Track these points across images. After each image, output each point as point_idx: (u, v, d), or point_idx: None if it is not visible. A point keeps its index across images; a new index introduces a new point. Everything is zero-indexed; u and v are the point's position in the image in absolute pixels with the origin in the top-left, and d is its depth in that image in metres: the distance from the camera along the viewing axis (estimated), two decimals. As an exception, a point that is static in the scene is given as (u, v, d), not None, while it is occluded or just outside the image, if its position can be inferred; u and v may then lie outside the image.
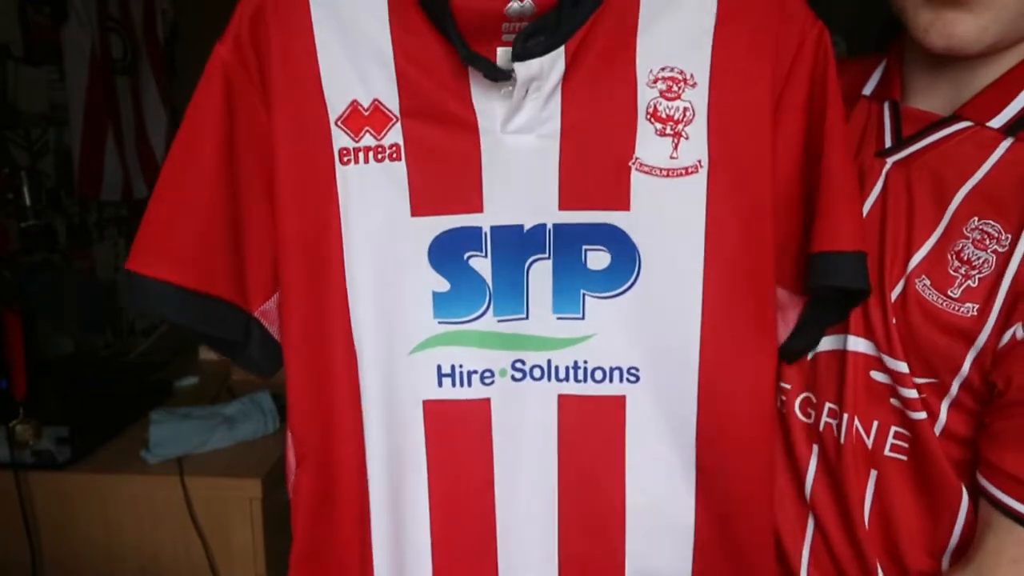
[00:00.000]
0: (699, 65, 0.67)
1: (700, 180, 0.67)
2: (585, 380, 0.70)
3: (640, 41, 0.67)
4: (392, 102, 0.67)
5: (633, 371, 0.70)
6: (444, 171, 0.68)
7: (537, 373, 0.71)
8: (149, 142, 2.25)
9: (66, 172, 1.94)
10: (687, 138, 0.67)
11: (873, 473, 0.70)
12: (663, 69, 0.67)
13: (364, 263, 0.69)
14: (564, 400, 0.71)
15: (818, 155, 0.66)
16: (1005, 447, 0.62)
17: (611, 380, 0.70)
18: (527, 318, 0.70)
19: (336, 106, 0.67)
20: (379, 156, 0.68)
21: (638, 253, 0.68)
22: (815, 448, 0.73)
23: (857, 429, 0.70)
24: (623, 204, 0.68)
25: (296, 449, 0.77)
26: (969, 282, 0.65)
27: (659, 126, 0.67)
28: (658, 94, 0.67)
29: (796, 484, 0.75)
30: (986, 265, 0.64)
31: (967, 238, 0.65)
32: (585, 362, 0.70)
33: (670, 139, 0.67)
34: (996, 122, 0.66)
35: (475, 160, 0.67)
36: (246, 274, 0.70)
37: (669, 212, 0.68)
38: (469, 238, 0.69)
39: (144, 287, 0.67)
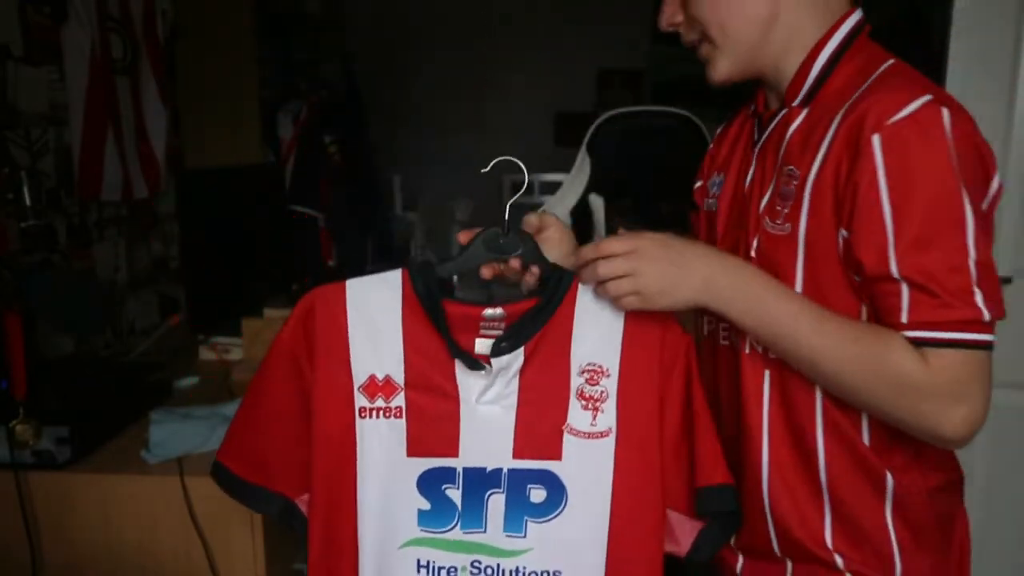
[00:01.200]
0: (612, 363, 0.96)
1: (610, 442, 0.96)
2: None
3: (573, 346, 0.96)
4: (399, 377, 0.96)
5: (558, 573, 0.96)
6: (433, 427, 0.96)
7: (489, 572, 0.97)
8: (149, 142, 2.24)
9: (66, 172, 1.93)
10: (602, 412, 0.96)
11: (767, 373, 0.94)
12: (588, 364, 0.96)
13: (371, 486, 0.96)
14: None
15: (692, 423, 0.95)
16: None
17: None
18: (485, 531, 0.97)
19: (359, 377, 0.96)
20: (387, 415, 0.96)
21: (566, 491, 0.96)
22: (727, 360, 0.99)
23: (751, 342, 0.95)
24: (557, 456, 0.96)
25: None
26: (784, 210, 0.89)
27: (584, 403, 0.96)
28: (584, 381, 0.96)
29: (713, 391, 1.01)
30: (790, 195, 0.88)
31: (781, 181, 0.90)
32: (524, 567, 0.96)
33: (591, 412, 0.96)
34: (797, 101, 0.93)
35: (455, 421, 0.95)
36: (291, 474, 0.98)
37: (588, 463, 0.96)
38: (447, 474, 0.96)
39: (220, 471, 0.99)
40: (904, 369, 0.79)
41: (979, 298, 0.79)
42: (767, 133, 0.95)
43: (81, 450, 1.37)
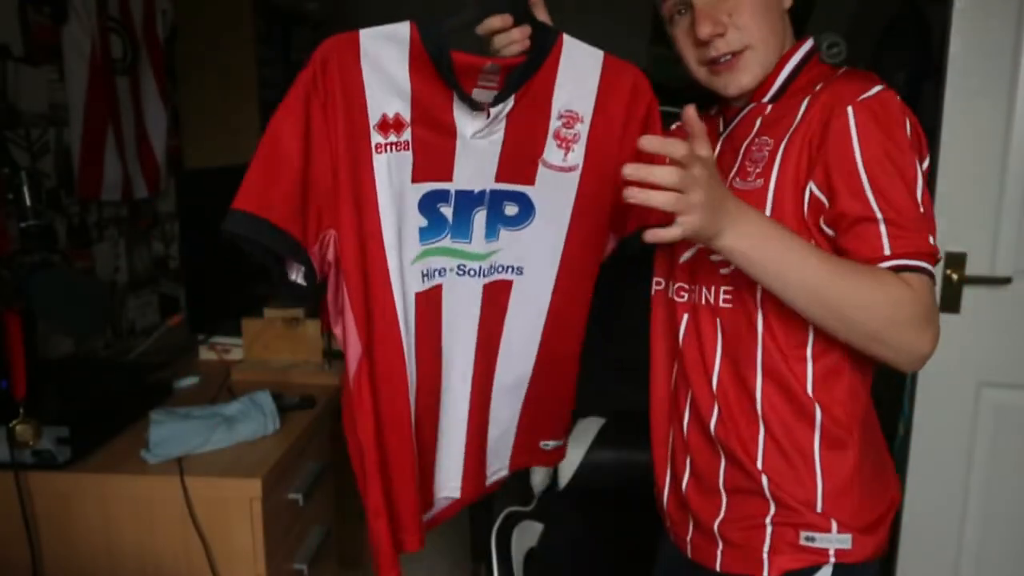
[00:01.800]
0: (586, 112, 1.17)
1: (575, 175, 1.20)
2: (494, 273, 1.22)
3: (555, 94, 1.15)
4: (407, 115, 1.09)
5: (519, 268, 1.23)
6: (433, 158, 1.12)
7: (472, 272, 1.20)
8: (149, 142, 2.24)
9: (66, 172, 1.94)
10: (573, 151, 1.18)
11: (718, 320, 1.09)
12: (566, 111, 1.16)
13: (388, 210, 1.11)
14: (485, 286, 1.22)
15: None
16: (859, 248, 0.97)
17: (507, 272, 1.23)
18: (470, 242, 1.19)
19: (373, 116, 1.08)
20: (397, 148, 1.10)
21: (535, 209, 1.20)
22: (685, 316, 1.14)
23: (705, 295, 1.10)
24: (531, 182, 1.19)
25: (360, 336, 1.13)
26: (756, 169, 1.04)
27: (558, 142, 1.17)
28: (561, 124, 1.17)
29: (670, 342, 1.18)
30: (762, 159, 1.04)
31: (753, 149, 1.07)
32: (495, 262, 1.21)
33: (563, 151, 1.18)
34: (766, 98, 1.11)
35: (451, 152, 1.12)
36: (307, 224, 1.05)
37: (556, 190, 1.20)
38: (442, 195, 1.15)
39: (240, 218, 1.01)
40: (899, 294, 0.92)
41: (931, 238, 0.96)
42: (733, 124, 1.13)
43: (81, 450, 1.37)
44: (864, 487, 1.05)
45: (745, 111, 1.12)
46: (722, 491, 1.10)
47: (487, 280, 1.21)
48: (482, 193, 1.16)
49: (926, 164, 1.00)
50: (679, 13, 1.10)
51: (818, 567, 1.04)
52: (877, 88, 0.98)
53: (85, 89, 1.95)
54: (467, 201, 1.16)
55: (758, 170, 1.05)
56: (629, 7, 4.15)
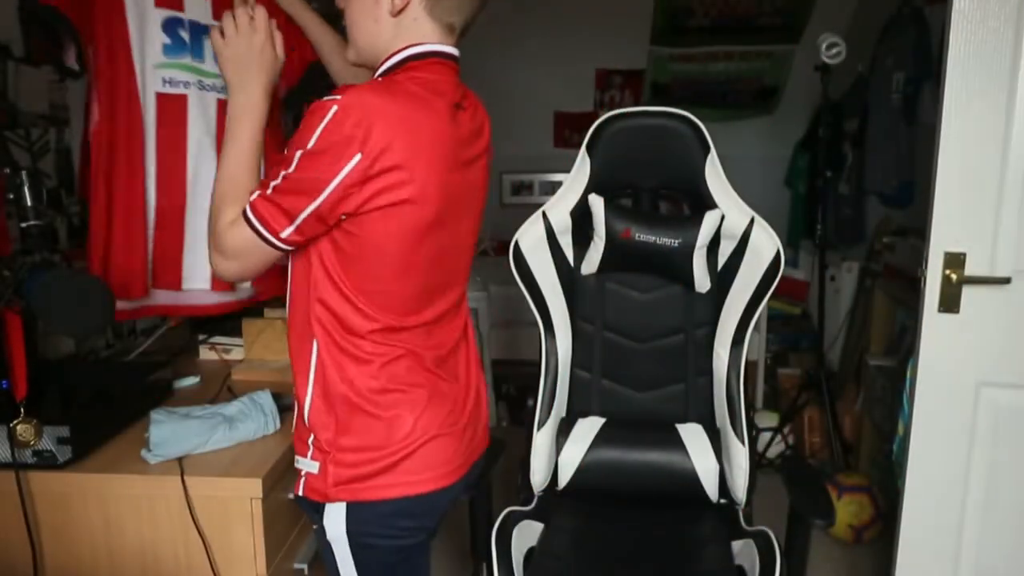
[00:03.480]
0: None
1: None
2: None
3: None
4: None
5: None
6: None
7: (209, 87, 1.59)
8: (149, 142, 2.24)
9: (66, 172, 1.94)
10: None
11: None
12: None
13: (133, 23, 1.52)
14: (219, 101, 1.59)
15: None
16: None
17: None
18: (205, 62, 1.57)
19: None
20: None
21: None
22: None
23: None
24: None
25: (101, 106, 1.53)
26: None
27: None
28: None
29: None
30: None
31: None
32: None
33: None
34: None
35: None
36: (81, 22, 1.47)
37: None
38: (179, 22, 1.55)
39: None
40: (226, 219, 1.15)
41: (261, 209, 1.13)
42: None
43: (81, 450, 1.37)
44: (346, 430, 1.16)
45: None
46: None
47: (220, 96, 1.54)
48: (207, 26, 1.54)
49: (350, 164, 1.09)
50: None
51: (298, 494, 1.19)
52: (330, 98, 1.11)
53: (85, 89, 1.94)
54: (197, 30, 1.55)
55: None
56: (628, 8, 4.16)
